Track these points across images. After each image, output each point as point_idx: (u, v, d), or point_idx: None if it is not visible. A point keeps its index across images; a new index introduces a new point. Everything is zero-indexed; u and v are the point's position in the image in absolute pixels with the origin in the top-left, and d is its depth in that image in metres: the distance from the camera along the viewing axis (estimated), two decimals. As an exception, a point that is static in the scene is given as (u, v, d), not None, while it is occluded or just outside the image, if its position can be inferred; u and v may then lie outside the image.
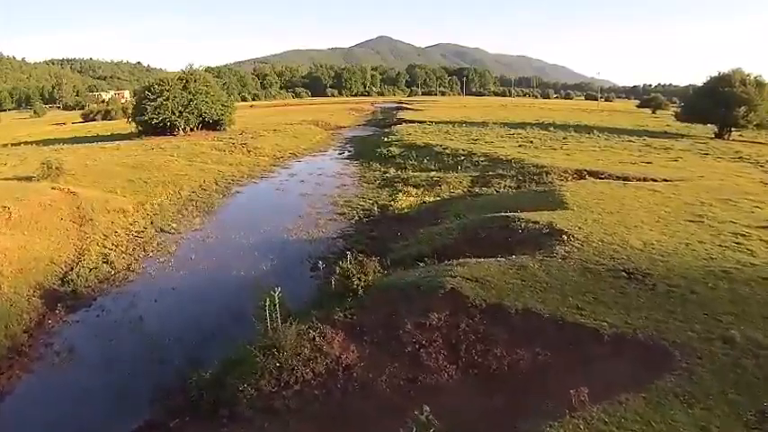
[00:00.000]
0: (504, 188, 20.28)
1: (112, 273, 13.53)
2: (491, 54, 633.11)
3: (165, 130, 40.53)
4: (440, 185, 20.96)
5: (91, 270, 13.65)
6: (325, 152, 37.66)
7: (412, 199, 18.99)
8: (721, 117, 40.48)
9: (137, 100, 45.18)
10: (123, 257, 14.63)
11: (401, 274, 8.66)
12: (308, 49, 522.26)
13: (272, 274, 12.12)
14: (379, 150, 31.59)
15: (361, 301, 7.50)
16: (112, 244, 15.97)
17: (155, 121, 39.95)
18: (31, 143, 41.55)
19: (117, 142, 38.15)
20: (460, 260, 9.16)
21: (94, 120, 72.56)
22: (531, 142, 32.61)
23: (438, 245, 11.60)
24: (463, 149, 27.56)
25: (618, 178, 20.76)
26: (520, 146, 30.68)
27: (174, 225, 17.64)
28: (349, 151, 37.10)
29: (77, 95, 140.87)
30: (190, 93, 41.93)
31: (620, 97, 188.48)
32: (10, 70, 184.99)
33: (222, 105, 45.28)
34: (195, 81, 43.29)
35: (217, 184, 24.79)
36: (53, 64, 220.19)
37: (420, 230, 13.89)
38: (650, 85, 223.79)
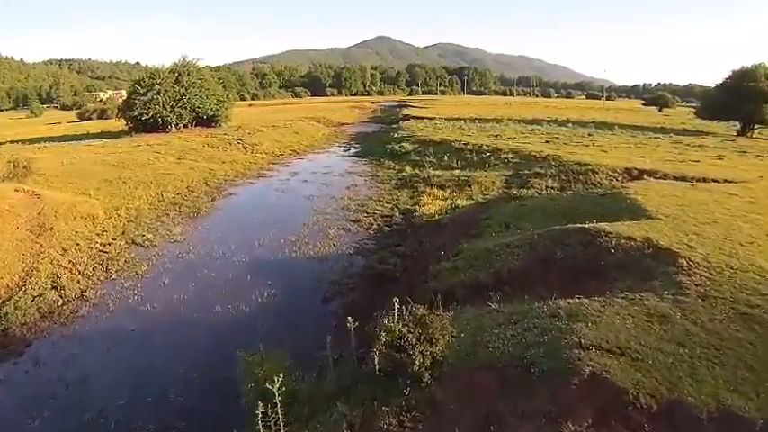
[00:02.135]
0: (546, 189, 17.13)
1: (60, 303, 10.31)
2: (490, 54, 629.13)
3: (156, 126, 37.64)
4: (469, 186, 17.76)
5: (34, 299, 10.46)
6: (329, 149, 34.43)
7: (439, 202, 15.76)
8: (746, 114, 38.12)
9: (127, 95, 42.43)
10: (78, 280, 11.40)
11: (476, 326, 5.42)
12: (307, 50, 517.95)
13: (270, 312, 8.92)
14: (389, 147, 28.41)
15: (429, 392, 4.27)
16: (69, 261, 12.73)
17: (144, 116, 37.18)
18: (17, 142, 38.77)
19: (104, 140, 35.26)
20: (563, 303, 5.97)
21: (90, 119, 69.58)
22: (558, 138, 29.59)
23: (500, 268, 8.40)
24: (487, 145, 24.39)
25: (675, 178, 17.86)
26: (547, 142, 27.58)
27: (150, 236, 14.39)
28: (356, 148, 33.89)
29: (75, 95, 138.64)
30: (182, 87, 38.97)
31: (620, 96, 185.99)
32: (8, 70, 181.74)
33: (218, 100, 42.19)
34: (188, 74, 40.23)
35: (207, 184, 21.55)
36: (51, 64, 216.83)
37: (463, 244, 10.67)
38: (650, 85, 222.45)
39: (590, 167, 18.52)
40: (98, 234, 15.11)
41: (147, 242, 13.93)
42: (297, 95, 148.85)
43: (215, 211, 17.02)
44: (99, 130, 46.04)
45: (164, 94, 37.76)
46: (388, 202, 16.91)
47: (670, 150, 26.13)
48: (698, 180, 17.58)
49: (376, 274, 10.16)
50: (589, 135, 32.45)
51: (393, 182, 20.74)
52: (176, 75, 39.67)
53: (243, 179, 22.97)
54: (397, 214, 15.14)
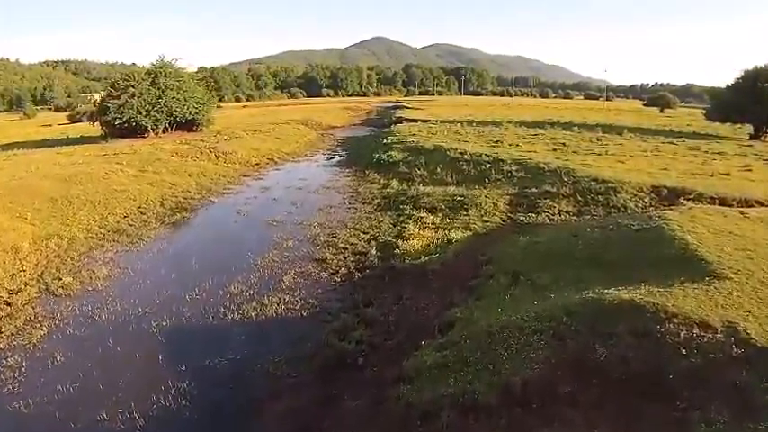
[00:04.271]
0: (560, 214, 14.20)
1: None
2: (487, 54, 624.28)
3: (134, 131, 34.70)
4: (466, 209, 14.79)
5: None
6: (311, 157, 31.37)
7: (428, 234, 12.72)
8: (760, 116, 35.66)
9: (102, 98, 39.70)
10: (-52, 354, 8.48)
11: None
12: (304, 50, 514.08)
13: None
14: (376, 156, 25.41)
15: None
16: (-40, 318, 9.85)
17: (118, 121, 34.20)
18: (-4, 147, 36.07)
19: (76, 146, 32.73)
20: None
21: (80, 121, 66.53)
22: (565, 145, 26.72)
23: (510, 376, 5.49)
24: (486, 155, 21.40)
25: (713, 199, 14.97)
26: (554, 150, 24.68)
27: (69, 279, 11.46)
28: (341, 156, 30.84)
29: (69, 97, 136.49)
30: (159, 89, 36.03)
31: (618, 97, 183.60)
32: (2, 71, 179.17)
33: (197, 103, 39.13)
34: (165, 76, 37.28)
35: (162, 204, 18.59)
36: (47, 65, 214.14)
37: (456, 310, 7.75)
38: (647, 85, 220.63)
39: (610, 185, 15.57)
40: (12, 276, 12.21)
41: (61, 290, 11.00)
42: (292, 96, 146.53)
43: (156, 243, 13.98)
44: (79, 135, 43.60)
45: (138, 97, 34.85)
46: (365, 232, 13.82)
47: (691, 159, 23.36)
48: (740, 203, 14.71)
49: (332, 358, 7.18)
50: (598, 140, 29.69)
51: (376, 201, 17.69)
52: (153, 76, 36.77)
53: (205, 196, 19.91)
54: (373, 251, 11.95)
